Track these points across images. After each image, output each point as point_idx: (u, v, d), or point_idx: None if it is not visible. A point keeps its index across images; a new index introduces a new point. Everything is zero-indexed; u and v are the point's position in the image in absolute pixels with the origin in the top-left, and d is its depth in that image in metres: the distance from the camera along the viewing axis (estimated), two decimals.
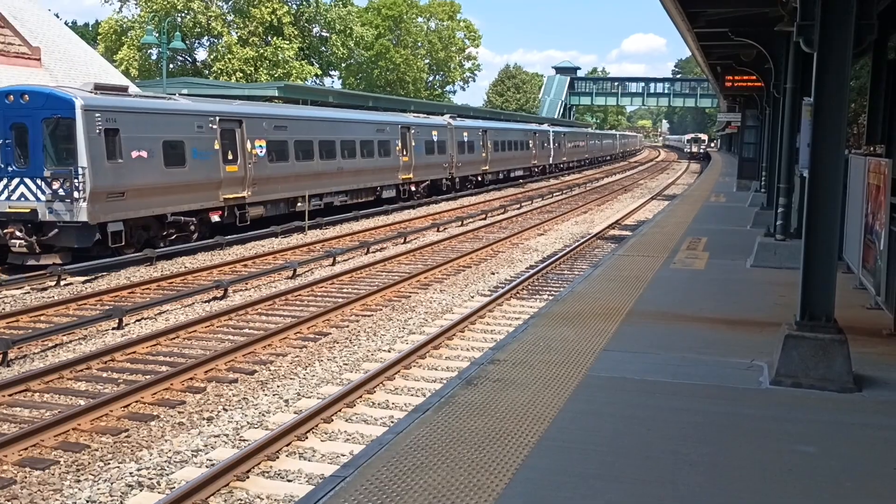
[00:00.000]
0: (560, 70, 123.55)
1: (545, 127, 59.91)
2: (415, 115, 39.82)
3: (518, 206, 33.76)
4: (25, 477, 7.23)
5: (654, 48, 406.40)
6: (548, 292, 15.40)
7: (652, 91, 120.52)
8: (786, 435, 6.19)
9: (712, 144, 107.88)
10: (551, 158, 58.15)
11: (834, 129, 7.31)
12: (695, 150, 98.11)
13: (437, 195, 36.56)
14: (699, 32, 17.97)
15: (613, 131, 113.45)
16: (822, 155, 7.35)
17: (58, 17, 52.18)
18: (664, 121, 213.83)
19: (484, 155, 43.35)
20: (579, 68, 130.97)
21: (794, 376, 7.32)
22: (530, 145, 52.68)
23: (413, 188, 34.65)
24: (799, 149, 11.16)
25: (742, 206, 25.57)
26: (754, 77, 24.69)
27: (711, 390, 7.24)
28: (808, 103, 8.35)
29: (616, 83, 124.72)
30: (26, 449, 7.70)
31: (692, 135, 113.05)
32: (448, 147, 37.78)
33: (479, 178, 43.75)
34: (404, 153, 33.29)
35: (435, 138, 36.32)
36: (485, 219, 28.60)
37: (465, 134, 40.53)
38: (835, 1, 7.14)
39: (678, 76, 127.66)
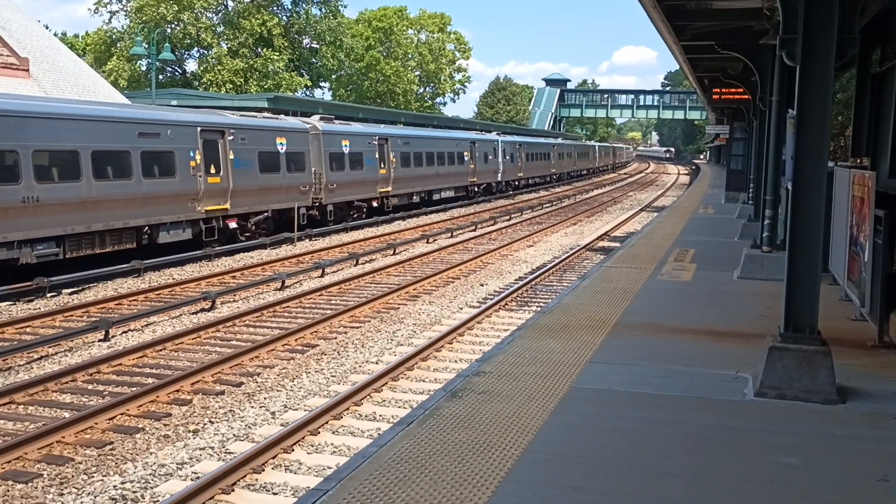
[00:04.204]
0: (550, 82, 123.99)
1: (491, 136, 48.92)
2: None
3: (508, 217, 33.82)
4: (8, 490, 7.17)
5: (644, 60, 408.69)
6: (536, 303, 15.42)
7: (641, 103, 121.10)
8: (769, 447, 6.20)
9: (702, 156, 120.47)
10: (500, 175, 47.91)
11: (817, 142, 7.36)
12: (667, 156, 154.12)
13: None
14: (686, 45, 18.10)
15: (591, 142, 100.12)
16: (805, 167, 7.40)
17: (47, 28, 52.19)
18: (654, 133, 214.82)
19: (384, 171, 31.94)
20: (569, 80, 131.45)
21: (778, 388, 7.35)
22: (465, 158, 42.04)
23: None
24: (785, 161, 11.23)
25: (730, 218, 25.67)
26: (741, 89, 24.87)
27: (696, 402, 7.25)
28: (791, 116, 8.42)
29: (606, 95, 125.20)
30: (9, 462, 7.65)
31: (665, 148, 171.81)
32: (308, 161, 26.18)
33: (376, 204, 31.38)
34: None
35: (282, 149, 24.77)
36: (474, 230, 28.63)
37: (346, 143, 28.95)
38: (816, 15, 7.21)
39: (668, 88, 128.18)
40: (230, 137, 22.11)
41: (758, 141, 21.22)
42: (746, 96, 24.55)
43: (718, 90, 27.17)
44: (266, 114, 27.62)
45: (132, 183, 18.84)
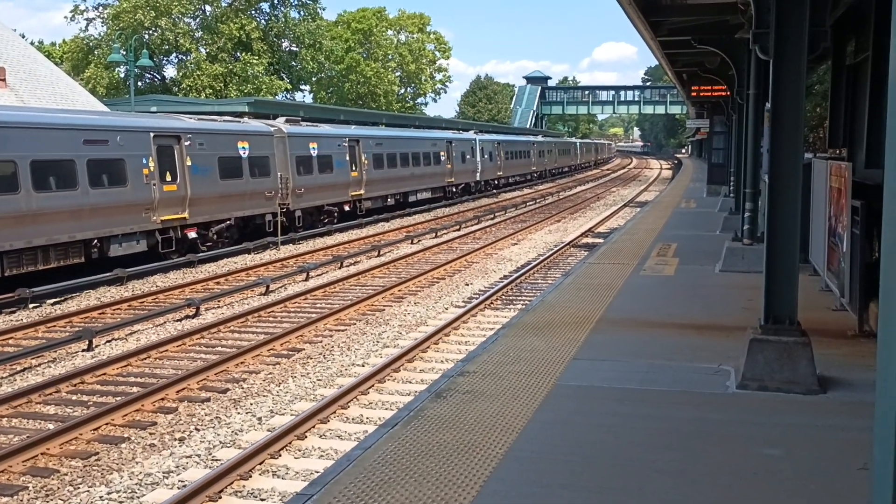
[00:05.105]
0: (531, 80, 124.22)
1: (469, 134, 47.92)
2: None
3: (492, 216, 33.87)
4: None
5: (625, 56, 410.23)
6: (521, 302, 15.47)
7: (622, 99, 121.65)
8: (752, 438, 6.26)
9: (683, 150, 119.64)
10: (479, 174, 46.89)
11: (791, 135, 7.44)
12: (643, 150, 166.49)
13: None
14: (663, 41, 18.19)
15: (572, 139, 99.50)
16: (781, 160, 7.47)
17: (23, 37, 51.78)
18: (636, 128, 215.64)
19: (355, 174, 30.97)
20: (550, 78, 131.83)
21: (759, 380, 7.41)
22: (442, 158, 40.83)
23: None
24: (763, 154, 11.32)
25: (712, 212, 25.82)
26: (720, 84, 25.01)
27: (679, 396, 7.31)
28: (767, 109, 8.49)
29: (587, 92, 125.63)
30: None
31: (641, 142, 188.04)
32: (272, 165, 25.00)
33: (348, 208, 30.49)
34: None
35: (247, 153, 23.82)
36: (459, 230, 28.67)
37: (314, 146, 28.03)
38: (787, 9, 7.28)
39: (648, 84, 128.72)
40: (187, 143, 21.01)
41: (737, 134, 21.37)
42: (725, 90, 24.70)
43: (697, 85, 27.31)
44: (227, 117, 26.40)
45: (78, 194, 17.60)
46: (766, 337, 7.47)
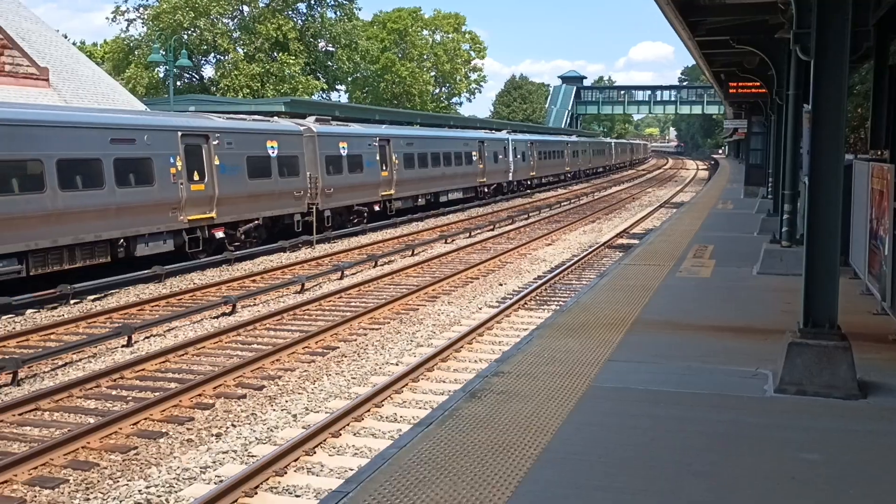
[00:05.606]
0: (566, 80, 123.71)
1: (501, 134, 47.50)
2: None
3: (526, 216, 33.80)
4: (35, 496, 7.29)
5: (661, 56, 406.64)
6: (555, 302, 15.42)
7: (658, 99, 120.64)
8: (790, 443, 6.20)
9: (720, 151, 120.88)
10: (511, 174, 46.40)
11: (832, 136, 7.34)
12: (677, 150, 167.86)
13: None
14: (701, 41, 18.01)
15: (606, 139, 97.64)
16: (821, 161, 7.38)
17: (66, 37, 52.67)
18: (672, 128, 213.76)
19: (385, 174, 30.83)
20: (585, 77, 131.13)
21: (798, 384, 7.33)
22: (474, 158, 40.56)
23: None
24: (803, 155, 11.17)
25: (749, 213, 25.53)
26: (758, 84, 24.71)
27: (715, 399, 7.25)
28: (807, 110, 8.39)
29: (622, 92, 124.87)
30: (36, 468, 7.77)
31: (676, 143, 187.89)
32: (302, 165, 24.98)
33: (378, 208, 30.35)
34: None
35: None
36: (492, 230, 28.65)
37: (344, 145, 27.82)
38: (829, 9, 7.18)
39: (685, 83, 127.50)
40: (215, 142, 20.88)
41: (775, 135, 21.11)
42: (763, 90, 24.40)
43: (735, 85, 27.02)
44: (256, 117, 26.39)
45: (104, 193, 17.50)
46: (806, 340, 7.38)
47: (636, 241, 22.84)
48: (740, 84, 26.76)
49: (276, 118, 27.88)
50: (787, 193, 14.45)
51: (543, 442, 6.14)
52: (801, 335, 7.44)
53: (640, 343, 9.24)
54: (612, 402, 7.14)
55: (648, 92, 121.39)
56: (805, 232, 7.60)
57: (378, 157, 30.23)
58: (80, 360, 11.99)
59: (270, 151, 23.46)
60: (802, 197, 14.24)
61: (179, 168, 19.66)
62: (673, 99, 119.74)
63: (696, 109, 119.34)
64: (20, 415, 9.34)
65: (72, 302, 16.00)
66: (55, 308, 15.60)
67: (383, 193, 30.66)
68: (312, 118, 28.51)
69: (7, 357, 11.33)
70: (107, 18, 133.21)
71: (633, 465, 5.76)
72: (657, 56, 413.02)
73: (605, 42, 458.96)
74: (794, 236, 14.23)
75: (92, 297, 16.54)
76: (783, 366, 7.43)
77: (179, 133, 19.94)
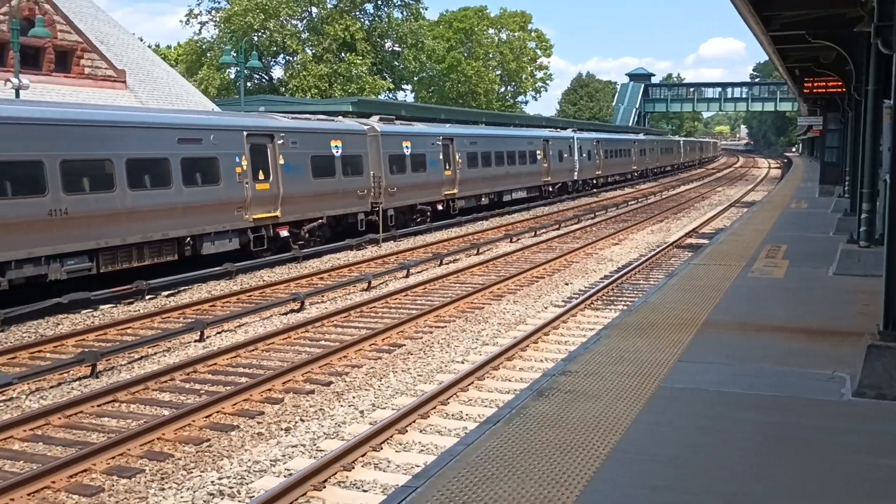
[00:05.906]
0: (634, 77, 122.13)
1: (567, 133, 46.99)
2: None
3: (592, 215, 33.50)
4: (113, 485, 7.52)
5: (732, 52, 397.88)
6: (622, 302, 15.25)
7: (729, 96, 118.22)
8: (869, 448, 6.01)
9: (793, 149, 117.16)
10: (576, 173, 45.87)
11: None
12: (745, 148, 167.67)
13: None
14: (774, 36, 17.57)
15: (675, 137, 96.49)
16: None
17: (142, 40, 54.22)
18: (743, 126, 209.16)
19: (449, 173, 30.76)
20: (653, 75, 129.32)
21: (877, 388, 7.09)
22: (538, 156, 40.26)
23: None
24: (882, 152, 10.81)
25: (825, 212, 24.80)
26: (834, 79, 24.00)
27: (789, 402, 7.06)
28: (888, 106, 8.12)
29: (691, 89, 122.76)
30: (114, 458, 8.02)
31: (745, 141, 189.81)
32: (365, 164, 25.15)
33: (441, 208, 30.40)
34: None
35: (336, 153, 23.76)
36: (558, 229, 28.47)
37: (407, 144, 28.10)
38: None
39: (756, 80, 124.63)
40: (280, 141, 21.06)
41: (853, 132, 20.46)
42: (840, 86, 23.69)
43: (810, 80, 26.28)
44: (321, 117, 26.55)
45: (171, 192, 17.80)
46: (886, 343, 7.14)
47: (706, 241, 22.42)
48: (815, 80, 26.01)
49: (340, 118, 28.17)
50: (866, 192, 13.97)
51: (612, 442, 6.08)
52: (882, 337, 7.20)
53: (711, 344, 9.06)
54: (681, 403, 7.02)
55: (718, 89, 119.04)
56: (886, 231, 7.36)
57: (441, 157, 30.27)
58: (155, 353, 12.33)
59: (334, 151, 23.65)
60: (882, 195, 13.78)
61: (245, 167, 19.90)
62: (744, 96, 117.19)
63: (769, 106, 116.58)
64: (99, 406, 9.65)
65: (146, 297, 16.45)
66: (131, 304, 16.07)
67: (446, 192, 30.69)
68: (376, 118, 28.68)
69: (87, 350, 11.73)
70: (180, 21, 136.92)
71: (703, 467, 5.65)
72: (728, 52, 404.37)
73: (674, 38, 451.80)
74: (872, 236, 13.76)
75: (165, 293, 16.99)
76: (862, 369, 7.20)
77: (245, 133, 20.16)
